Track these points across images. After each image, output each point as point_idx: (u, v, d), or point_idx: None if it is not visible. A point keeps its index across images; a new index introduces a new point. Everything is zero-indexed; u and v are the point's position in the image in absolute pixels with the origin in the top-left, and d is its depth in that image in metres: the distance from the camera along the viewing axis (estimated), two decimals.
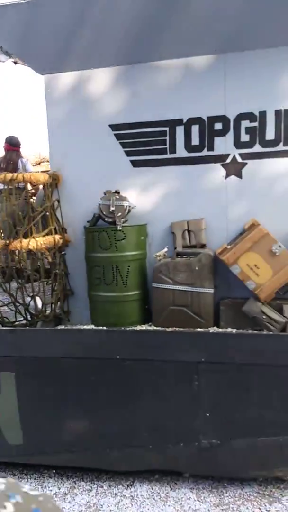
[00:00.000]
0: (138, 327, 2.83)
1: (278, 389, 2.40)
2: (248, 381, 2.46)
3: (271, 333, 2.42)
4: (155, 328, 2.74)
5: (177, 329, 2.66)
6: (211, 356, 2.47)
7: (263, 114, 2.59)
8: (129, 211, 2.77)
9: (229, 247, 2.54)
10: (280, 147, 2.59)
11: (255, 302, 2.51)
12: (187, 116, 2.71)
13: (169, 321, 2.68)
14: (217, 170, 2.72)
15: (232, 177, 2.70)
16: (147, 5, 2.45)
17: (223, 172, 2.71)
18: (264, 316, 2.47)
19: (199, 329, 2.61)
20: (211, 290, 2.65)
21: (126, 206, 2.75)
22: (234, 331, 2.56)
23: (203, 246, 2.75)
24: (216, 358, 2.46)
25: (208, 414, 2.31)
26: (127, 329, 2.64)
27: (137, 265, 2.83)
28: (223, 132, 2.67)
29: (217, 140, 2.69)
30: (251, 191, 2.67)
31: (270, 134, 2.59)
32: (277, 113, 2.56)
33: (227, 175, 2.71)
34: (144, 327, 2.84)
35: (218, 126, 2.67)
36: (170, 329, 2.63)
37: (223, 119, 2.66)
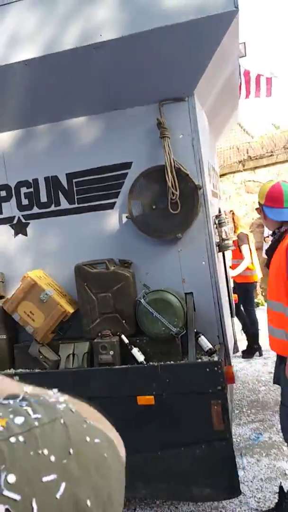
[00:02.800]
0: None
1: None
2: None
3: (40, 371, 2.76)
4: None
5: None
6: None
7: (36, 181, 3.03)
8: None
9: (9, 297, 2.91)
10: (52, 207, 3.03)
11: (35, 344, 2.85)
12: None
13: None
14: (8, 231, 3.12)
15: (20, 235, 3.11)
16: None
17: (12, 231, 3.12)
18: (41, 356, 2.81)
19: None
20: (4, 337, 2.98)
21: None
22: (11, 371, 2.88)
23: (1, 297, 3.10)
24: None
25: None
26: None
27: None
28: (7, 198, 3.10)
29: (4, 205, 3.11)
30: (36, 246, 3.08)
31: (43, 198, 3.04)
32: (46, 179, 3.01)
33: (16, 234, 3.12)
34: None
35: (3, 193, 3.10)
36: None
37: (6, 187, 3.09)
